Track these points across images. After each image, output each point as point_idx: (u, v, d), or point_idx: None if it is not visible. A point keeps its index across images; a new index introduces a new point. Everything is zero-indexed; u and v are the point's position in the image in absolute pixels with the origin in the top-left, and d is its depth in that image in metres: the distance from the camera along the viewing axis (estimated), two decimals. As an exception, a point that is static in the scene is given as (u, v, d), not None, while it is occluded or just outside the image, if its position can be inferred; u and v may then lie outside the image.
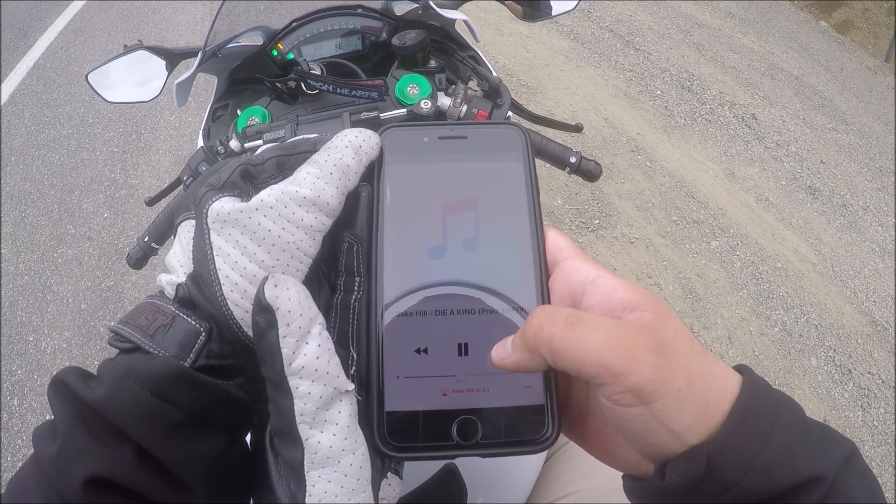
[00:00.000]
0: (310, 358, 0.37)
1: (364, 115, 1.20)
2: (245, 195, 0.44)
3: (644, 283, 3.14)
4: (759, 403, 0.36)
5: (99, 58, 5.28)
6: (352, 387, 0.39)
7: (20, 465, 1.79)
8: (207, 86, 1.59)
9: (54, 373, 0.42)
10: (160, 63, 1.42)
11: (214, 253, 0.41)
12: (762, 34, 6.11)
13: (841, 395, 2.82)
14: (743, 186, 3.86)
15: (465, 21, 1.36)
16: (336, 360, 0.39)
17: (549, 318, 0.37)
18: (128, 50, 1.42)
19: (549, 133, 1.92)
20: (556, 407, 0.41)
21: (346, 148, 0.43)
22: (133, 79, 1.44)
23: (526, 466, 1.05)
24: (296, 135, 1.16)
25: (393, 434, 0.40)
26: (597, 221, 3.42)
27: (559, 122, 1.44)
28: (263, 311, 0.38)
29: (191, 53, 1.46)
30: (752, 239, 3.47)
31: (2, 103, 4.93)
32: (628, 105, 4.45)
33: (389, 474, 0.41)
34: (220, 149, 1.24)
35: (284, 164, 0.45)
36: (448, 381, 0.41)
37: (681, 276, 3.20)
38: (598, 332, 0.35)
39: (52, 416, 0.41)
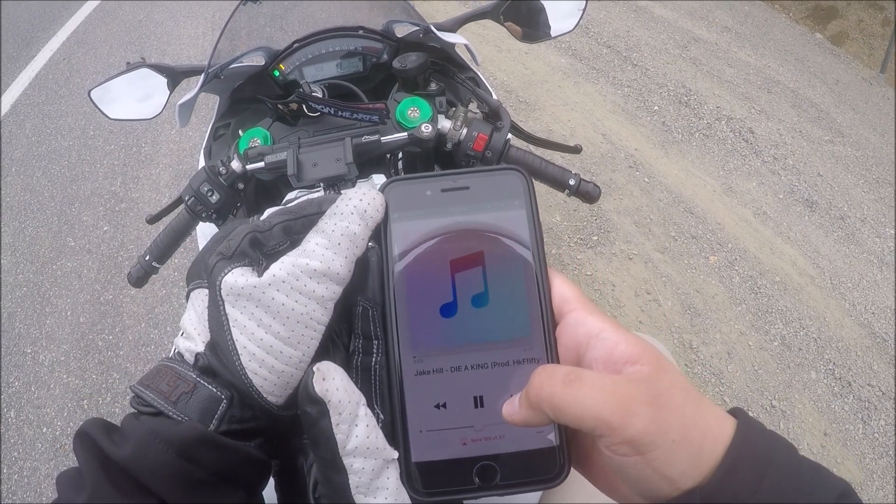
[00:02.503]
0: (361, 438, 0.40)
1: (365, 138, 1.21)
2: (255, 263, 0.46)
3: (643, 298, 3.15)
4: (752, 447, 0.38)
5: (101, 70, 5.35)
6: (396, 454, 0.42)
7: (15, 477, 1.79)
8: (208, 101, 1.60)
9: (79, 425, 0.45)
10: (162, 81, 1.43)
11: (231, 324, 0.44)
12: (758, 48, 6.14)
13: (841, 407, 2.82)
14: (741, 201, 3.87)
15: (465, 45, 1.38)
16: (380, 433, 0.41)
17: (548, 378, 0.39)
18: (130, 67, 1.43)
19: (548, 154, 1.93)
20: (566, 446, 0.44)
21: (353, 214, 0.44)
22: (135, 96, 1.45)
23: (526, 494, 1.05)
24: (297, 158, 1.18)
25: (421, 482, 0.43)
26: (595, 238, 3.43)
27: (558, 144, 1.44)
28: (314, 402, 0.40)
29: (193, 72, 1.47)
30: (750, 253, 3.47)
31: (3, 113, 4.96)
32: (626, 121, 4.46)
33: None
34: (222, 169, 1.24)
35: (291, 229, 0.47)
36: (467, 431, 0.43)
37: (679, 291, 3.21)
38: (595, 389, 0.38)
39: (77, 465, 0.43)
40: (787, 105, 5.09)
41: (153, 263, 1.39)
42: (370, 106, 1.18)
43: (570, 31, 1.49)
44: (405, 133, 1.24)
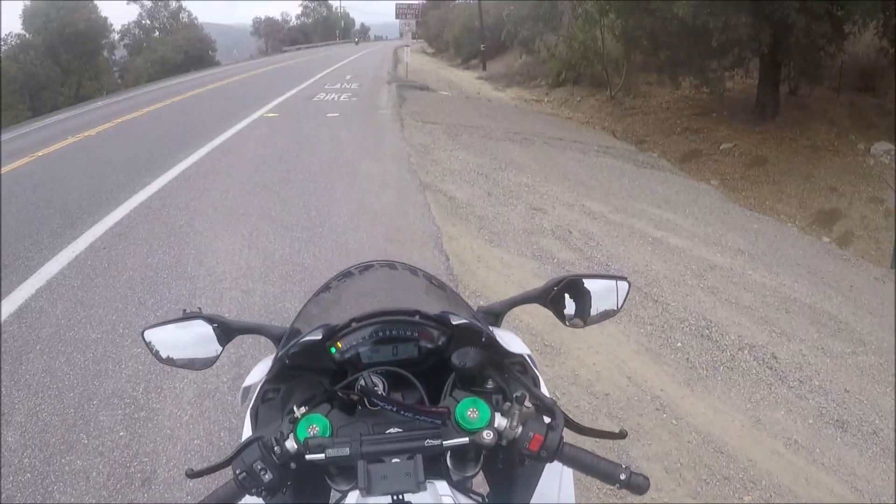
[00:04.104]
0: None
1: (428, 442, 1.26)
2: None
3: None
4: None
5: (137, 268, 5.65)
6: None
7: None
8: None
9: None
10: (216, 334, 1.51)
11: None
12: (771, 266, 6.41)
13: None
14: (770, 432, 3.93)
15: (528, 356, 1.48)
16: None
17: None
18: (186, 316, 1.50)
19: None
20: None
21: None
22: (187, 344, 1.50)
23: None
24: (361, 455, 1.24)
25: None
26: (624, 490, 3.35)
27: (603, 432, 1.42)
28: None
29: (247, 329, 1.57)
30: (784, 487, 3.50)
31: (39, 287, 5.26)
32: (650, 360, 4.60)
33: None
34: (277, 448, 1.27)
35: None
36: None
37: (717, 538, 3.21)
38: None
39: None
40: (806, 322, 5.30)
41: None
42: (433, 410, 1.25)
43: (616, 313, 1.58)
44: (466, 438, 1.27)
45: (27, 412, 3.68)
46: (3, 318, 4.82)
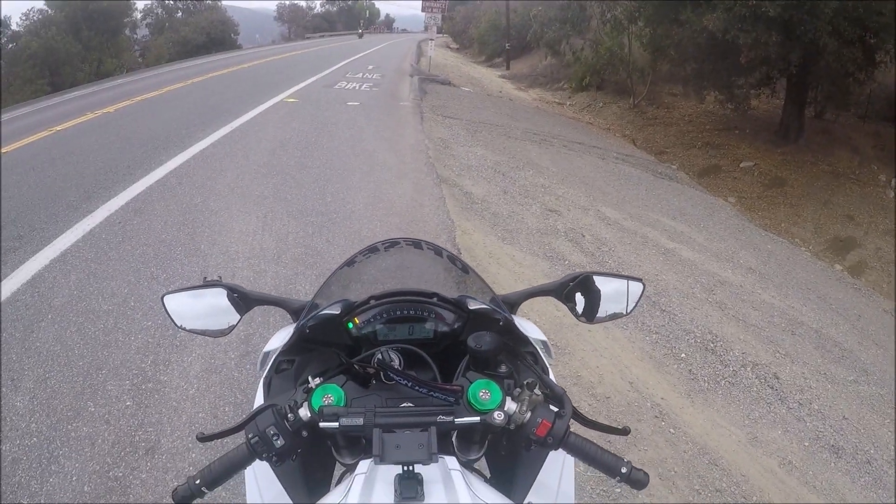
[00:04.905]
0: None
1: (440, 418, 1.29)
2: None
3: (663, 564, 3.18)
4: None
5: (152, 244, 5.70)
6: None
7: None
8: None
9: None
10: (235, 303, 1.52)
11: None
12: (781, 287, 6.41)
13: None
14: (766, 451, 3.95)
15: (543, 342, 1.52)
16: None
17: None
18: (207, 284, 1.52)
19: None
20: None
21: None
22: (206, 312, 1.52)
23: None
24: (375, 425, 1.26)
25: None
26: (618, 490, 3.39)
27: (608, 427, 1.44)
28: None
29: (266, 301, 1.58)
30: (775, 505, 3.51)
31: (52, 258, 5.31)
32: (653, 368, 4.62)
33: None
34: (290, 416, 1.29)
35: None
36: None
37: (705, 550, 3.24)
38: None
39: None
40: (811, 346, 5.30)
41: (202, 488, 1.34)
42: (447, 387, 1.27)
43: (628, 314, 1.63)
44: (478, 418, 1.29)
45: (36, 378, 3.74)
46: (17, 286, 4.89)
